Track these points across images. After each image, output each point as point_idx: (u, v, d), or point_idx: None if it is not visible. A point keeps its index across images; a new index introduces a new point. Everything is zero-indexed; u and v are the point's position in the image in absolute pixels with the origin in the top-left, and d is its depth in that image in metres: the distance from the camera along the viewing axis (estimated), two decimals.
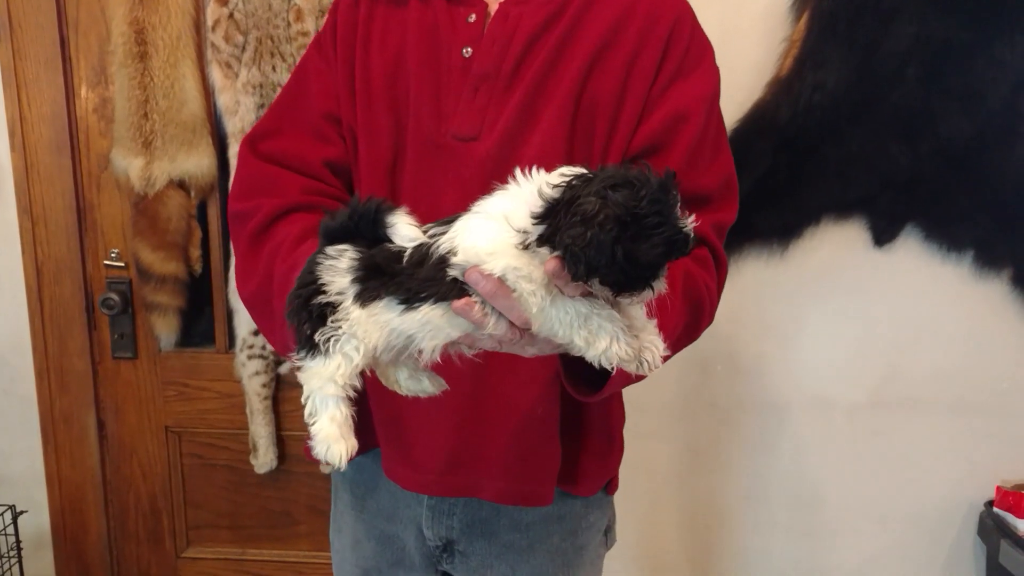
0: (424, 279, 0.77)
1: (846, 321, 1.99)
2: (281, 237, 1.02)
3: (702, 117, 1.04)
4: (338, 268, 0.79)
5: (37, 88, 2.02)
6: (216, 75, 1.91)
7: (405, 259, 0.79)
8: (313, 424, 0.81)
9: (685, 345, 1.03)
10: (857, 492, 2.07)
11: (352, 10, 1.12)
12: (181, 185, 1.99)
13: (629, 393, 2.07)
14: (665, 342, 0.86)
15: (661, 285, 0.76)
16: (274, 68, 1.88)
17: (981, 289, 1.94)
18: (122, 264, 2.10)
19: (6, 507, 2.15)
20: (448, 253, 0.76)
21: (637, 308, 0.79)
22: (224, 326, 2.14)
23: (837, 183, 1.88)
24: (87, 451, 2.22)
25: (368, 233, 0.81)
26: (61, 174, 2.06)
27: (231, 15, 1.87)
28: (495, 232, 0.75)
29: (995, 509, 1.98)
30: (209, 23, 1.90)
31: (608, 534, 1.26)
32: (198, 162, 1.98)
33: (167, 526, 2.27)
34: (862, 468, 2.06)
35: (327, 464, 0.82)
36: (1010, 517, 1.93)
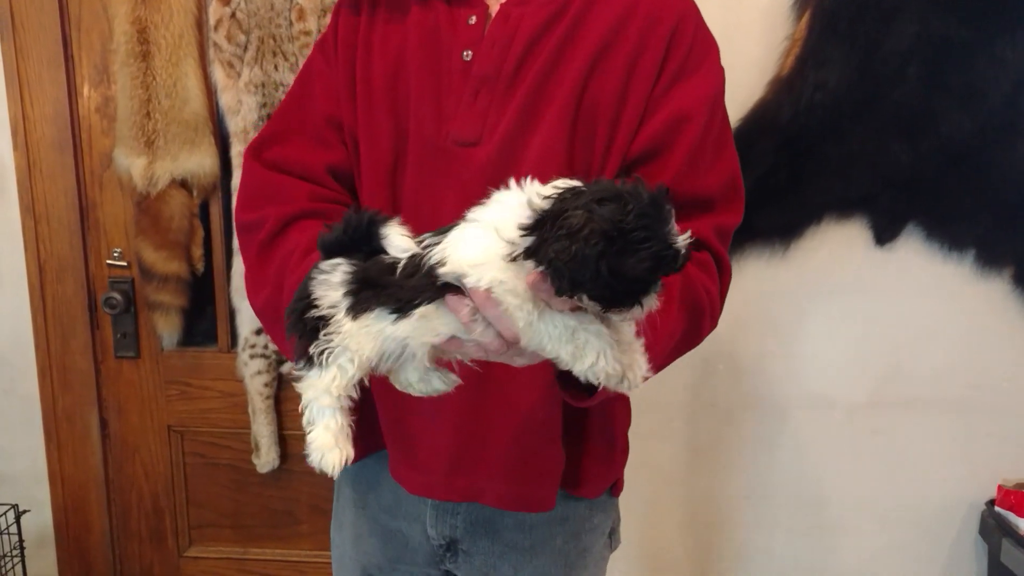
0: (415, 287, 0.78)
1: (847, 320, 1.99)
2: (290, 247, 1.02)
3: (704, 118, 1.02)
4: (331, 282, 0.80)
5: (40, 87, 2.03)
6: (218, 74, 1.91)
7: (398, 271, 0.79)
8: (310, 432, 0.83)
9: (686, 350, 1.03)
10: (858, 491, 2.07)
11: (353, 13, 1.11)
12: (183, 184, 2.00)
13: (631, 393, 2.06)
14: (660, 353, 0.87)
15: (652, 302, 0.75)
16: (276, 67, 1.88)
17: (983, 288, 1.94)
18: (124, 263, 2.10)
19: (9, 506, 2.16)
20: (438, 264, 0.76)
21: (627, 324, 0.79)
22: (226, 325, 2.14)
23: (838, 182, 1.88)
24: (90, 450, 2.22)
25: (364, 245, 0.82)
26: (64, 173, 2.07)
27: (233, 14, 1.87)
28: (485, 243, 0.74)
29: (996, 508, 1.98)
30: (211, 22, 1.90)
31: (613, 536, 1.25)
32: (200, 161, 1.98)
33: (169, 525, 2.27)
34: (863, 467, 2.06)
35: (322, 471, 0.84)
36: (1012, 516, 1.93)
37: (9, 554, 2.16)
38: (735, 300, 1.97)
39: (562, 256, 0.69)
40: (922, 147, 1.83)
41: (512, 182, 0.77)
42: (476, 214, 0.77)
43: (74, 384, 2.18)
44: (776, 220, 1.92)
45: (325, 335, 0.80)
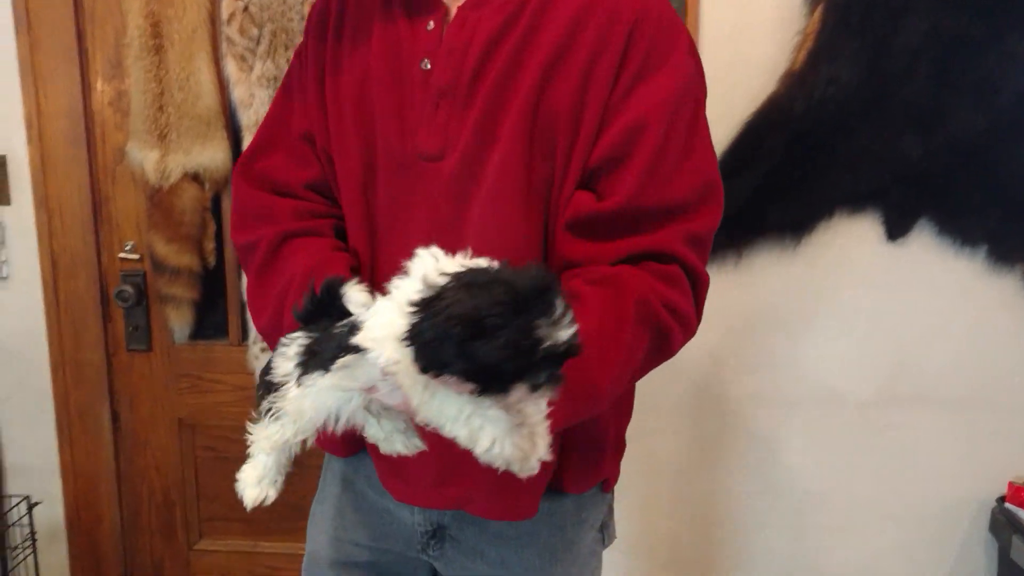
0: (339, 342, 0.82)
1: (857, 316, 1.99)
2: (288, 274, 1.04)
3: (664, 124, 0.96)
4: (287, 355, 0.87)
5: (54, 81, 2.04)
6: (231, 68, 1.92)
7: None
8: (245, 463, 0.93)
9: (657, 364, 1.02)
10: (867, 488, 2.07)
11: (321, 25, 1.10)
12: (196, 178, 2.01)
13: (637, 387, 2.06)
14: (615, 376, 0.90)
15: (535, 391, 0.73)
16: (288, 61, 1.89)
17: (994, 283, 1.93)
18: (136, 257, 2.11)
19: (21, 498, 2.17)
20: (354, 330, 0.79)
21: (532, 406, 0.78)
22: (237, 318, 2.15)
23: (849, 177, 1.88)
24: (101, 443, 2.23)
25: (332, 310, 0.88)
26: (77, 167, 2.07)
27: (246, 8, 1.88)
28: (389, 318, 0.75)
29: (1007, 505, 1.97)
30: (224, 16, 1.91)
31: (605, 530, 1.23)
32: (212, 155, 1.99)
33: (180, 518, 2.28)
34: (872, 464, 2.06)
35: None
36: (1022, 513, 1.92)
37: (21, 546, 2.17)
38: (745, 294, 1.98)
39: (423, 336, 0.71)
40: (933, 142, 1.83)
41: (437, 252, 0.78)
42: (397, 283, 0.79)
43: (86, 377, 2.19)
44: (787, 215, 1.92)
45: (274, 397, 0.88)
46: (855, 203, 1.91)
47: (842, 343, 2.00)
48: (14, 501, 2.17)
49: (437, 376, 0.72)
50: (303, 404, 0.85)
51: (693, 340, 2.12)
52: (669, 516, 2.14)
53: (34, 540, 2.19)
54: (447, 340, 0.69)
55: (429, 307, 0.71)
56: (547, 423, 0.80)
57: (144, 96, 1.95)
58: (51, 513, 2.25)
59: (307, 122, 1.10)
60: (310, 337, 0.86)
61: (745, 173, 1.89)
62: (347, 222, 1.09)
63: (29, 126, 2.05)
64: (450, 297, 0.71)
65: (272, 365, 0.89)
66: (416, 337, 0.71)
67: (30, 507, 2.18)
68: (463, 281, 0.72)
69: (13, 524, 2.15)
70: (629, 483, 2.17)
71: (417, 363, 0.72)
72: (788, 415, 2.05)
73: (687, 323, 1.00)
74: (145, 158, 1.98)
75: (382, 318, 0.76)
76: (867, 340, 2.00)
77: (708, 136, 1.02)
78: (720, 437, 2.08)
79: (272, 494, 0.92)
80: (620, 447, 1.19)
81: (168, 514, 2.28)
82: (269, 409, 0.88)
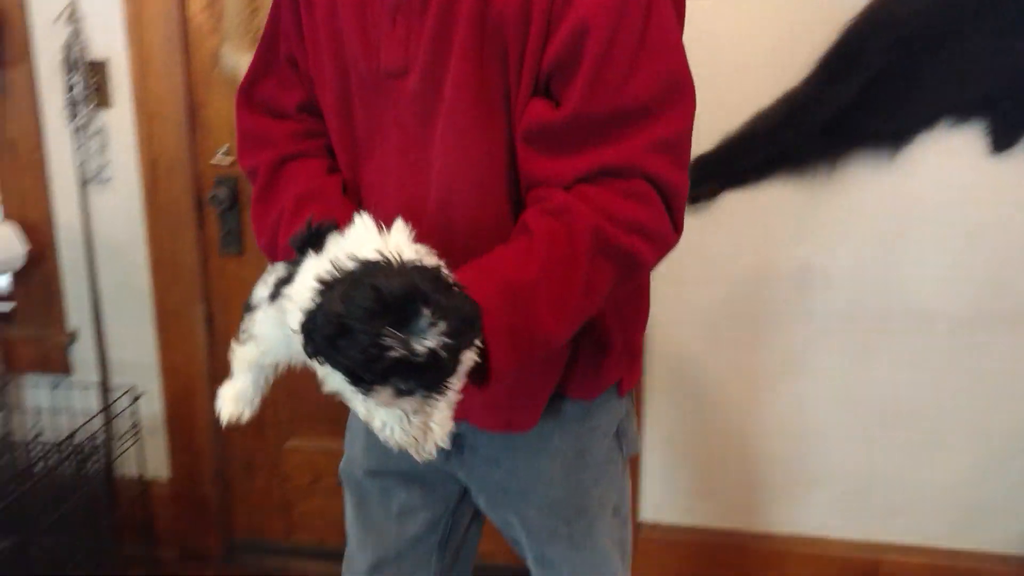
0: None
1: (954, 231, 1.93)
2: (282, 203, 1.06)
3: (609, 24, 0.90)
4: (267, 282, 0.91)
5: None
6: None
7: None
8: (226, 381, 0.98)
9: (632, 285, 1.00)
10: (955, 407, 2.04)
11: None
12: None
13: (723, 300, 2.05)
14: (574, 310, 0.89)
15: (409, 396, 0.73)
16: None
17: None
18: (230, 161, 2.17)
19: (127, 388, 2.30)
20: (288, 279, 0.82)
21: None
22: None
23: (956, 85, 1.80)
24: (196, 343, 2.32)
25: (319, 245, 0.91)
26: (173, 71, 2.12)
27: None
28: (306, 285, 0.76)
29: None
30: None
31: (622, 437, 1.20)
32: None
33: (270, 417, 2.37)
34: (961, 383, 2.02)
35: None
36: None
37: (126, 435, 2.30)
38: (837, 207, 1.94)
39: (310, 325, 0.73)
40: None
41: (368, 222, 0.80)
42: (336, 239, 0.81)
43: (182, 279, 2.27)
44: (886, 125, 1.86)
45: (248, 318, 0.93)
46: (960, 113, 1.84)
47: (937, 259, 1.95)
48: (118, 393, 2.29)
49: (321, 364, 0.75)
50: (264, 328, 0.90)
51: (780, 251, 2.09)
52: (752, 426, 2.14)
53: (138, 429, 2.32)
54: (318, 333, 0.72)
55: (326, 293, 0.74)
56: (448, 412, 0.82)
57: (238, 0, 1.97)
58: (151, 408, 2.37)
59: (288, 45, 1.11)
60: (288, 270, 0.88)
61: (844, 80, 1.83)
62: (332, 143, 1.11)
63: (130, 30, 2.10)
64: (336, 291, 0.73)
65: (255, 289, 0.94)
66: (304, 325, 0.74)
67: (135, 398, 2.30)
68: (353, 276, 0.74)
69: (118, 414, 2.28)
70: (702, 396, 2.19)
71: (305, 348, 0.75)
72: (878, 330, 2.02)
73: (659, 239, 0.96)
74: (238, 62, 2.01)
75: (302, 282, 0.78)
76: (963, 257, 1.94)
77: (670, 31, 0.95)
78: (805, 349, 2.07)
79: (247, 413, 0.97)
80: (632, 352, 1.17)
81: (259, 412, 2.33)
82: (243, 331, 0.94)
